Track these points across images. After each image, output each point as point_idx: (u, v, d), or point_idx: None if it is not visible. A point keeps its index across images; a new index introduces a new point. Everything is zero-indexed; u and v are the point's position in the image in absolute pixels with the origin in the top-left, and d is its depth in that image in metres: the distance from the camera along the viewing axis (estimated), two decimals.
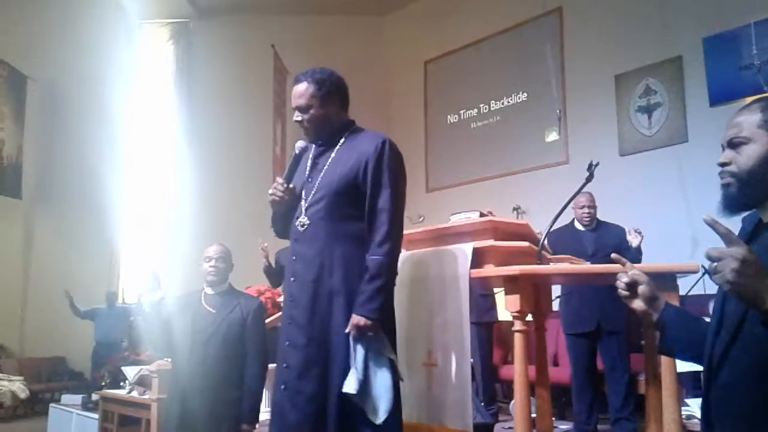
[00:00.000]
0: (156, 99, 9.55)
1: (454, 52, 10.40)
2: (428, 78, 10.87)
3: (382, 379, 2.27)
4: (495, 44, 9.77)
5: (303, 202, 2.50)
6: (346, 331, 2.29)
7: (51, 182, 9.97)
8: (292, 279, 2.47)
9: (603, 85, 8.19)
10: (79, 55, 8.96)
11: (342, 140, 2.55)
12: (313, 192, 2.49)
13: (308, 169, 2.58)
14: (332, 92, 2.53)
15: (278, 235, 2.71)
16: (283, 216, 2.60)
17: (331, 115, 2.54)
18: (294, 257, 2.49)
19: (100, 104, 8.83)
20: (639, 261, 4.31)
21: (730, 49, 7.02)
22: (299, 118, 2.53)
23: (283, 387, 2.39)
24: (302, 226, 2.47)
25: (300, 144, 2.60)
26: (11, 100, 9.68)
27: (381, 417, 2.26)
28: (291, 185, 2.55)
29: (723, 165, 1.44)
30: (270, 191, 2.54)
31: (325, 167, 2.51)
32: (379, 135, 2.50)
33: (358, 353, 2.26)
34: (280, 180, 2.55)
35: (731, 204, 1.42)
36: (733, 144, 1.42)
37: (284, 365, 2.41)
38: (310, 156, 2.61)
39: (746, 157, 1.39)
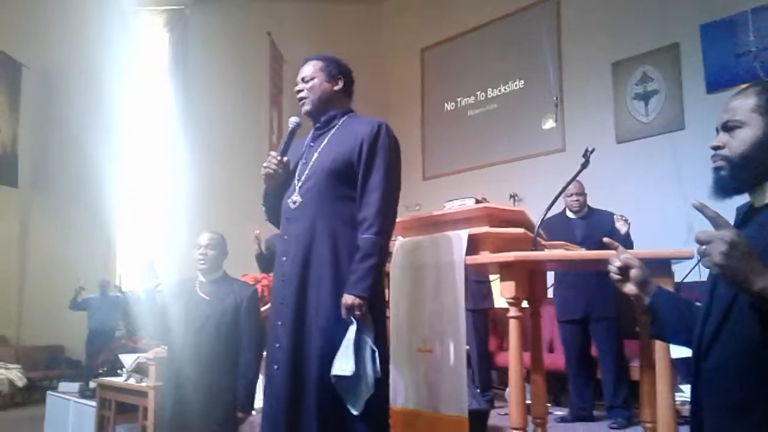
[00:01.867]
0: (152, 86, 9.51)
1: (452, 39, 10.38)
2: (425, 65, 10.85)
3: (365, 366, 2.26)
4: (492, 32, 9.74)
5: (296, 182, 2.50)
6: (343, 315, 2.28)
7: (47, 170, 9.94)
8: (283, 258, 2.47)
9: (600, 72, 8.18)
10: (75, 42, 8.90)
11: (339, 124, 2.55)
12: (306, 171, 2.49)
13: (304, 151, 2.58)
14: (338, 73, 2.58)
15: (268, 215, 2.70)
16: (275, 192, 2.59)
17: (332, 94, 2.56)
18: (285, 236, 2.48)
19: (96, 92, 8.78)
20: (630, 248, 4.32)
21: (727, 36, 7.01)
22: (300, 88, 2.57)
23: (276, 367, 2.39)
24: (294, 203, 2.47)
25: (294, 119, 2.62)
26: (6, 87, 9.64)
27: (358, 408, 2.24)
28: (285, 158, 2.55)
29: (716, 148, 1.44)
30: (264, 164, 2.55)
31: (320, 148, 2.51)
32: (376, 119, 2.51)
33: (351, 335, 2.25)
34: (274, 153, 2.56)
35: (723, 188, 1.42)
36: (727, 128, 1.43)
37: (276, 345, 2.40)
38: (307, 140, 2.61)
39: (739, 141, 1.40)
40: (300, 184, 2.48)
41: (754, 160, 1.38)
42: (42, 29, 9.23)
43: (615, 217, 4.56)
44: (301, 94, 2.57)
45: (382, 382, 2.35)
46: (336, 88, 2.57)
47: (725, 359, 1.36)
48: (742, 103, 1.43)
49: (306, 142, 2.61)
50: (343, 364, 2.21)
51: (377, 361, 2.27)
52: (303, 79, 2.57)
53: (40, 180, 9.96)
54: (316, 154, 2.50)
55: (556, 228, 4.62)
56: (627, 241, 4.38)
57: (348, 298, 2.26)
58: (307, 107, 2.57)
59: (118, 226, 9.40)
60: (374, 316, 2.35)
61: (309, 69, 2.57)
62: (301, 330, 2.35)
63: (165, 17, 9.80)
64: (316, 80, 2.54)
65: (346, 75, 2.61)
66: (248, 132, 9.27)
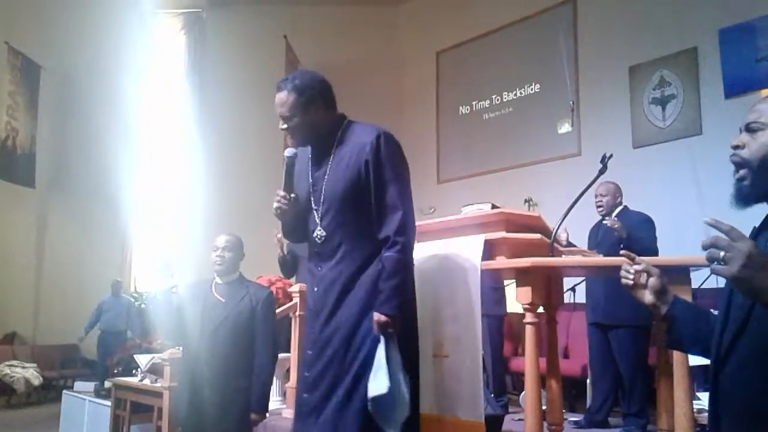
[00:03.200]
0: (168, 89, 9.58)
1: (467, 42, 10.36)
2: (441, 68, 10.83)
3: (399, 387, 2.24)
4: (508, 35, 9.71)
5: (315, 214, 2.48)
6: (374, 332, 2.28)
7: (64, 171, 10.03)
8: (315, 289, 2.47)
9: (617, 76, 8.13)
10: (93, 45, 9.00)
11: (336, 139, 2.49)
12: (321, 200, 2.46)
13: (310, 172, 2.53)
14: (314, 98, 2.45)
15: (293, 243, 2.72)
16: (293, 224, 2.59)
17: (317, 121, 2.47)
18: (318, 268, 2.48)
19: (113, 94, 8.87)
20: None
21: (746, 40, 6.95)
22: (284, 127, 2.48)
23: (306, 373, 2.41)
24: (320, 238, 2.45)
25: (288, 152, 2.52)
26: (25, 89, 9.74)
27: (396, 429, 2.23)
28: (293, 195, 2.50)
29: (736, 147, 1.42)
30: (275, 204, 2.50)
31: (328, 173, 2.47)
32: (373, 129, 2.45)
33: (381, 353, 2.24)
34: (281, 192, 2.49)
35: (743, 197, 1.40)
36: (750, 129, 1.41)
37: (306, 374, 2.42)
38: (309, 158, 2.56)
39: (760, 144, 1.37)
40: (319, 216, 2.46)
41: None
42: (60, 32, 9.32)
43: (605, 221, 4.44)
44: (288, 133, 2.51)
45: (414, 397, 2.35)
46: (318, 114, 2.47)
47: (743, 367, 1.35)
48: None
49: (307, 160, 2.56)
50: (378, 383, 2.20)
51: (409, 384, 2.25)
52: (283, 118, 2.47)
53: (57, 181, 10.05)
54: (326, 179, 2.46)
55: (593, 233, 4.62)
56: (630, 245, 4.29)
57: (378, 317, 2.26)
58: (298, 143, 2.53)
59: (133, 227, 9.47)
60: (406, 335, 2.35)
61: (284, 107, 2.44)
62: (336, 339, 2.35)
63: (182, 20, 9.87)
64: (296, 119, 2.44)
65: (321, 91, 2.49)
66: (263, 134, 9.28)
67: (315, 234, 2.47)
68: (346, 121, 2.54)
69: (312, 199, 2.50)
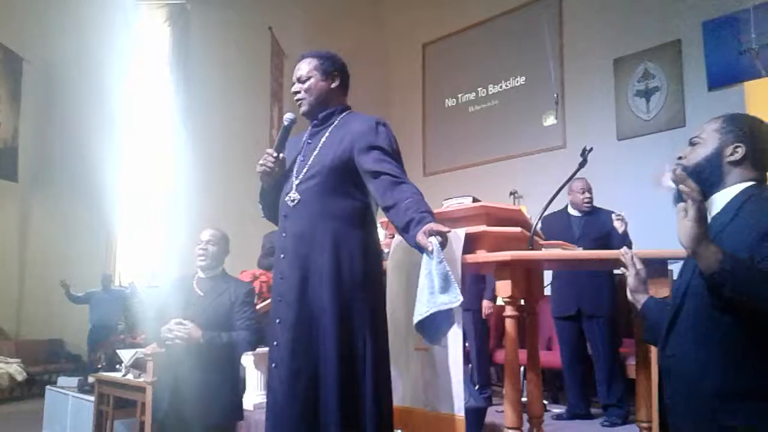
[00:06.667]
0: (152, 81, 9.50)
1: (453, 35, 10.35)
2: (426, 61, 10.82)
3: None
4: (493, 27, 9.71)
5: (294, 179, 2.47)
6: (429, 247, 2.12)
7: (47, 165, 9.92)
8: (282, 256, 2.44)
9: (601, 69, 8.15)
10: (76, 36, 8.89)
11: (337, 122, 2.53)
12: (305, 170, 2.46)
13: (302, 149, 2.54)
14: (334, 71, 2.55)
15: (264, 212, 2.68)
16: (271, 190, 2.57)
17: (329, 93, 2.53)
18: (284, 234, 2.46)
19: (97, 86, 8.77)
20: (628, 247, 4.33)
21: (730, 33, 6.99)
22: (297, 89, 2.54)
23: (273, 365, 2.38)
24: (292, 201, 2.43)
25: (289, 115, 2.58)
26: (7, 82, 9.62)
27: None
28: (281, 155, 2.52)
29: (679, 158, 1.76)
30: (260, 162, 2.51)
31: (319, 146, 2.48)
32: (374, 117, 2.50)
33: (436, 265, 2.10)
34: (270, 151, 2.52)
35: (679, 196, 1.61)
36: (692, 143, 1.74)
37: (275, 343, 2.39)
38: (305, 137, 2.59)
39: (695, 155, 1.71)
40: (298, 181, 2.45)
41: (703, 172, 1.67)
42: (43, 23, 9.21)
43: (613, 215, 4.54)
44: (298, 96, 2.54)
45: (386, 381, 2.37)
46: (333, 85, 2.54)
47: (682, 339, 1.57)
48: (710, 125, 1.71)
49: (303, 138, 2.59)
50: (451, 296, 2.10)
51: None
52: (299, 79, 2.54)
53: (40, 174, 9.95)
54: (315, 152, 2.47)
55: (556, 226, 4.63)
56: (625, 240, 4.38)
57: (429, 227, 2.13)
58: (304, 108, 2.54)
59: (118, 221, 9.40)
60: (376, 313, 2.37)
61: (304, 68, 2.54)
62: (301, 329, 2.33)
63: (166, 12, 9.77)
64: (312, 80, 2.51)
65: (341, 71, 2.58)
66: (249, 127, 9.26)
67: (288, 197, 2.46)
68: (350, 111, 2.59)
69: (296, 169, 2.50)
